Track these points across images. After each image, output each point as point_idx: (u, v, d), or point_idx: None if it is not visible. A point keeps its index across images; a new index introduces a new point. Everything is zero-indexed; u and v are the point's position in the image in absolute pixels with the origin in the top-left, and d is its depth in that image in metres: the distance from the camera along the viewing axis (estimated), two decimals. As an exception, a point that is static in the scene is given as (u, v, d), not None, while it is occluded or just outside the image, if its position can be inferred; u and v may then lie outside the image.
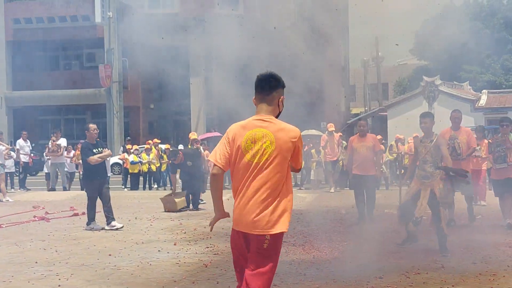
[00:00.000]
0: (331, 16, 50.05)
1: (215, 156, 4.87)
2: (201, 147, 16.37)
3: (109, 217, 11.83)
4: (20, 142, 22.37)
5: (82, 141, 14.76)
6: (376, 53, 58.00)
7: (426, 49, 57.16)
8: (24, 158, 22.12)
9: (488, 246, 9.39)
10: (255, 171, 4.74)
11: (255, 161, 4.75)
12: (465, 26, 54.58)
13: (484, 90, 42.38)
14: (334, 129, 21.10)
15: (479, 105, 40.56)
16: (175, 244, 10.03)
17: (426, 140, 9.16)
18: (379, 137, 13.81)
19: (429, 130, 9.20)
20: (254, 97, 5.05)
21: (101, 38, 35.41)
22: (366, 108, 59.55)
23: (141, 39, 38.21)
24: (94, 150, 11.72)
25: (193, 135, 16.54)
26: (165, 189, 23.28)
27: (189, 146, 16.05)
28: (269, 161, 4.72)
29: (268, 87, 4.94)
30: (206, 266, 8.30)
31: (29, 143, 22.60)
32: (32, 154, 24.04)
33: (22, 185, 22.39)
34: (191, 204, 15.10)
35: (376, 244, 9.58)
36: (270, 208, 4.70)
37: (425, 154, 9.05)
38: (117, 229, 11.65)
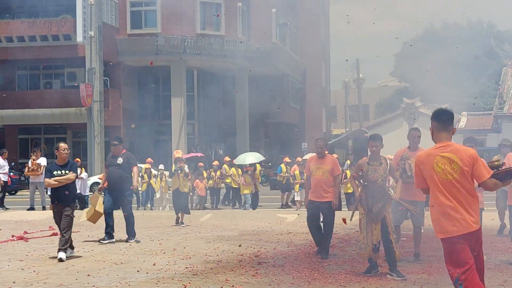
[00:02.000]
0: (313, 37, 50.09)
1: None
2: (186, 166, 16.26)
3: (60, 249, 10.54)
4: (0, 161, 22.18)
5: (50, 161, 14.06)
6: (357, 75, 58.39)
7: (406, 71, 57.71)
8: (3, 177, 21.94)
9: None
10: None
11: None
12: (444, 49, 55.30)
13: (463, 112, 42.82)
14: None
15: (459, 127, 40.90)
16: (154, 265, 9.99)
17: (375, 163, 9.06)
18: (335, 155, 12.73)
19: (378, 154, 9.13)
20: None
21: (82, 57, 35.38)
22: (347, 129, 59.91)
23: (123, 58, 38.44)
24: (56, 172, 10.76)
25: (177, 153, 16.47)
26: (145, 209, 23.20)
27: (173, 165, 16.03)
28: None
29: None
30: (185, 287, 8.27)
31: (6, 162, 22.41)
32: (11, 174, 23.87)
33: (1, 204, 22.19)
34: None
35: (357, 266, 9.62)
36: None
37: (375, 177, 8.97)
38: (61, 259, 10.44)
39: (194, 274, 9.16)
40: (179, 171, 15.86)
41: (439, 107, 6.20)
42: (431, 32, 58.76)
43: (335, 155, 12.22)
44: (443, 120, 5.99)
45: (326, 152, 10.97)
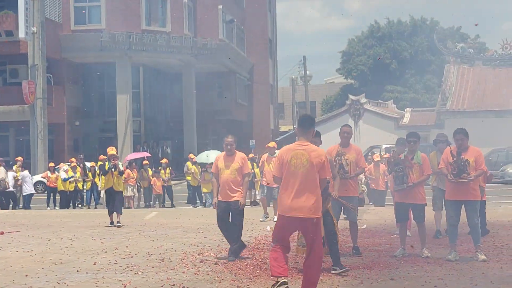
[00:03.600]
0: (259, 36, 50.25)
1: None
2: (120, 164, 15.81)
3: None
4: None
5: None
6: (304, 72, 58.76)
7: (352, 68, 58.34)
8: None
9: (406, 262, 9.57)
10: None
11: None
12: (389, 46, 56.12)
13: (407, 109, 43.48)
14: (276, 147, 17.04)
15: (403, 123, 41.56)
16: (94, 264, 9.83)
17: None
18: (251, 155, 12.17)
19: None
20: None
21: (25, 53, 34.63)
22: (294, 126, 60.22)
23: (66, 55, 37.81)
24: None
25: (111, 150, 15.87)
26: (89, 208, 22.90)
27: (107, 162, 15.55)
28: None
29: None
30: (125, 286, 8.15)
31: None
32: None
33: None
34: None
35: (296, 260, 9.64)
36: None
37: None
38: None
39: (135, 273, 9.04)
40: (113, 169, 15.26)
41: (304, 114, 7.80)
42: (376, 29, 59.46)
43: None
44: (303, 126, 7.44)
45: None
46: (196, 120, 42.12)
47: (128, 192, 21.99)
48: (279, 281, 7.11)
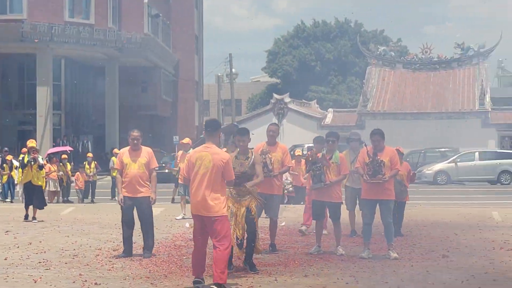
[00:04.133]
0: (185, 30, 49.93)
1: None
2: (40, 157, 15.42)
3: None
4: None
5: None
6: (230, 70, 58.80)
7: (278, 67, 58.78)
8: None
9: (321, 260, 9.71)
10: None
11: None
12: (314, 47, 56.79)
13: (330, 109, 44.13)
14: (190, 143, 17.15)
15: (325, 123, 42.16)
16: (5, 259, 9.57)
17: (242, 157, 8.92)
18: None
19: (246, 148, 9.00)
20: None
21: None
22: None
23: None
24: None
25: (31, 143, 15.44)
26: (4, 202, 22.24)
27: (26, 155, 15.09)
28: None
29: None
30: (35, 282, 7.96)
31: None
32: None
33: None
34: None
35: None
36: None
37: (241, 171, 8.76)
38: None
39: (46, 269, 8.85)
40: (32, 162, 14.88)
41: (209, 118, 8.32)
42: (302, 29, 60.07)
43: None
44: (208, 129, 7.92)
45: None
46: (119, 115, 41.53)
47: (51, 187, 21.46)
48: (194, 281, 7.59)
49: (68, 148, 30.27)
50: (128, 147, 10.31)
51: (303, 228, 12.31)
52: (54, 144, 36.53)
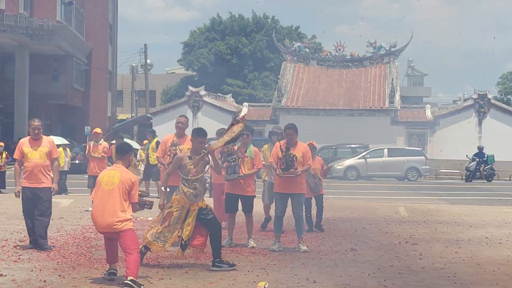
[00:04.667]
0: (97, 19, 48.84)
1: None
2: None
3: None
4: None
5: None
6: (145, 60, 58.17)
7: (193, 60, 58.52)
8: None
9: (232, 252, 9.76)
10: None
11: None
12: (230, 41, 56.86)
13: (245, 103, 44.29)
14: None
15: (240, 117, 42.30)
16: None
17: (195, 156, 8.76)
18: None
19: (199, 149, 8.81)
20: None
21: None
22: (133, 114, 59.49)
23: None
24: None
25: None
26: None
27: None
28: None
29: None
30: None
31: None
32: None
33: None
34: None
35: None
36: None
37: (194, 170, 8.64)
38: None
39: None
40: None
41: (120, 142, 8.53)
42: (218, 22, 60.02)
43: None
44: (119, 153, 7.99)
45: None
46: (29, 104, 40.40)
47: None
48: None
49: None
50: (28, 137, 10.09)
51: None
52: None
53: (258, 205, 11.89)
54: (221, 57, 56.38)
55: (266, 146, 12.23)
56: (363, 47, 44.84)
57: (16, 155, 10.10)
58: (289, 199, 10.32)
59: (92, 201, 7.80)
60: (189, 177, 8.63)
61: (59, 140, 25.24)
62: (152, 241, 8.52)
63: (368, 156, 32.98)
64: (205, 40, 58.90)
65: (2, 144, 23.49)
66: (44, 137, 10.07)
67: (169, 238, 8.54)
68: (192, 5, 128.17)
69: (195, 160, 8.69)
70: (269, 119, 40.00)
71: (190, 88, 44.31)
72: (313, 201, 12.50)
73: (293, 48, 44.51)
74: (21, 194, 9.95)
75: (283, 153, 10.13)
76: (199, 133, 8.87)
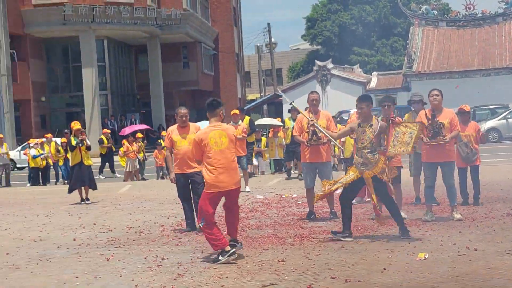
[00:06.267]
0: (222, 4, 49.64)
1: None
2: (87, 138, 15.38)
3: None
4: None
5: None
6: (269, 39, 58.56)
7: (317, 33, 58.29)
8: None
9: (384, 225, 9.69)
10: None
11: None
12: (353, 10, 56.07)
13: (374, 72, 43.70)
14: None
15: (370, 87, 41.80)
16: (74, 240, 9.80)
17: (365, 125, 8.71)
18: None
19: (367, 115, 8.76)
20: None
21: (-13, 30, 33.99)
22: (261, 94, 60.21)
23: (29, 30, 37.05)
24: None
25: (76, 125, 15.18)
26: (65, 184, 22.62)
27: (73, 137, 14.90)
28: None
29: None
30: (108, 260, 8.15)
31: None
32: None
33: None
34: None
35: (280, 229, 9.76)
36: None
37: (364, 140, 8.65)
38: None
39: (116, 247, 9.04)
40: (80, 144, 14.76)
41: (211, 99, 8.45)
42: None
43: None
44: (209, 110, 8.16)
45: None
46: (163, 91, 41.91)
47: (129, 168, 21.68)
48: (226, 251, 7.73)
49: (143, 126, 30.61)
50: (176, 125, 10.38)
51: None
52: (102, 124, 37.18)
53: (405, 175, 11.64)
54: (346, 28, 55.78)
55: (407, 114, 11.96)
56: (494, 3, 42.91)
57: (166, 143, 10.50)
58: (439, 168, 10.08)
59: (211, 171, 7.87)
60: (358, 145, 8.77)
61: (268, 120, 25.91)
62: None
63: (510, 116, 31.60)
64: (327, 13, 58.47)
65: (141, 135, 24.42)
66: (191, 124, 10.34)
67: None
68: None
69: (364, 128, 8.73)
70: (400, 87, 39.25)
71: (317, 62, 44.23)
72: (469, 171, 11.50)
73: (420, 12, 43.28)
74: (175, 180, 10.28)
75: (429, 121, 9.91)
76: (359, 98, 8.99)
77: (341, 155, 17.64)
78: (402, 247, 8.07)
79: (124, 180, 21.63)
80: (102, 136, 24.85)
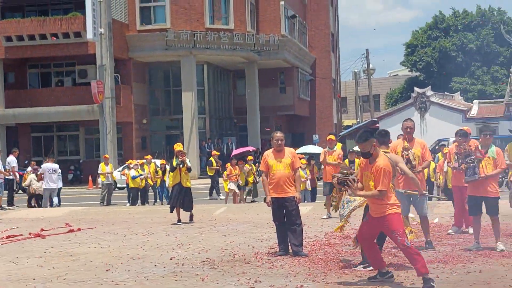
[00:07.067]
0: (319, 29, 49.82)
1: None
2: (188, 160, 15.82)
3: None
4: (11, 159, 22.38)
5: None
6: (367, 65, 58.28)
7: (417, 60, 57.53)
8: (12, 176, 22.18)
9: (481, 256, 9.48)
10: None
11: None
12: (455, 37, 55.03)
13: (475, 100, 42.68)
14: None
15: (471, 115, 40.82)
16: (171, 259, 10.09)
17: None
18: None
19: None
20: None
21: (93, 54, 35.49)
22: (358, 120, 59.87)
23: (133, 54, 38.55)
24: None
25: (178, 146, 15.76)
26: (162, 204, 23.24)
27: (174, 159, 15.40)
28: None
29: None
30: (202, 280, 8.36)
31: (15, 160, 22.55)
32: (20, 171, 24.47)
33: (11, 202, 22.29)
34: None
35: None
36: None
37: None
38: None
39: (211, 268, 9.25)
40: (180, 165, 15.20)
41: (381, 129, 9.21)
42: (441, 20, 58.46)
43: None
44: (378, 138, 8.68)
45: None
46: (260, 116, 42.44)
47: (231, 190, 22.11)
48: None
49: (251, 148, 31.04)
50: (271, 149, 10.53)
51: (451, 230, 11.98)
52: (199, 147, 38.05)
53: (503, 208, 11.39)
54: (446, 55, 54.83)
55: (510, 144, 11.68)
56: None
57: (262, 167, 10.64)
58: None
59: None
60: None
61: (312, 148, 26.00)
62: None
63: None
64: (428, 39, 57.70)
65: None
66: (286, 148, 10.49)
67: None
68: (413, 5, 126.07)
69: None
70: (502, 116, 38.14)
71: (416, 89, 43.64)
72: None
73: (524, 40, 42.08)
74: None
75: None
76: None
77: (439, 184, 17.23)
78: (499, 279, 7.89)
79: (233, 202, 21.87)
80: (212, 158, 25.45)
